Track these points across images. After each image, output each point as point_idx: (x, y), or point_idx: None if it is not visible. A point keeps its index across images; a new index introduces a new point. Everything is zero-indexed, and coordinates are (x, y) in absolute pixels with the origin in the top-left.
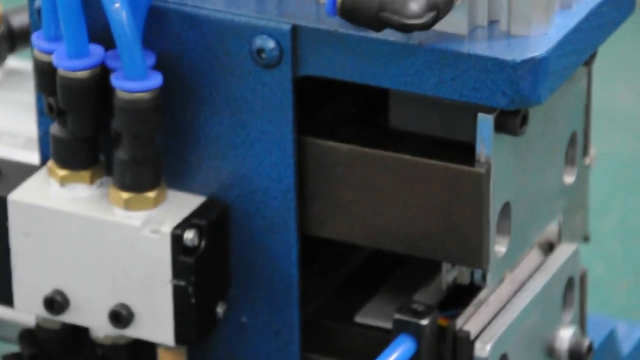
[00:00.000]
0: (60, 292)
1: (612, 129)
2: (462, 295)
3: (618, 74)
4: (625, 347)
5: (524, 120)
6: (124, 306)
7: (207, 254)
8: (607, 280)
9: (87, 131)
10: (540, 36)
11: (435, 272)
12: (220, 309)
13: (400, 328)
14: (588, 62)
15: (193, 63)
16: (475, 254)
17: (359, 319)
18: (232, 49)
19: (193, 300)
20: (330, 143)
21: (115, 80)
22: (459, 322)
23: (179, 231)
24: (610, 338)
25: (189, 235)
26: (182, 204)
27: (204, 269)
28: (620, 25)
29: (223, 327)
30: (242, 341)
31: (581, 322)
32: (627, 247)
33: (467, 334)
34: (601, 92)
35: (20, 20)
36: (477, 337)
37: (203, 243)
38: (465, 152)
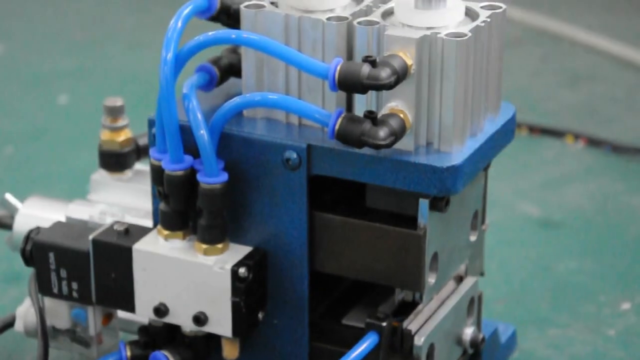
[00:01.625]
0: (163, 304)
1: (496, 208)
2: (408, 308)
3: (502, 176)
4: (503, 339)
5: (447, 203)
6: (202, 313)
7: (253, 282)
8: (493, 299)
9: (181, 207)
10: (458, 152)
11: (392, 293)
12: (260, 315)
13: (369, 327)
14: (486, 169)
15: (247, 166)
16: (416, 283)
17: (345, 321)
18: (270, 159)
19: (244, 310)
20: (330, 215)
21: (199, 177)
22: (405, 324)
23: (236, 268)
24: (495, 334)
25: (242, 271)
26: (238, 251)
27: (250, 291)
28: (505, 147)
29: (262, 326)
30: (273, 335)
31: (478, 324)
32: (505, 279)
33: (410, 331)
34: (492, 186)
35: (142, 140)
36: (416, 333)
37: (251, 275)
38: (412, 221)
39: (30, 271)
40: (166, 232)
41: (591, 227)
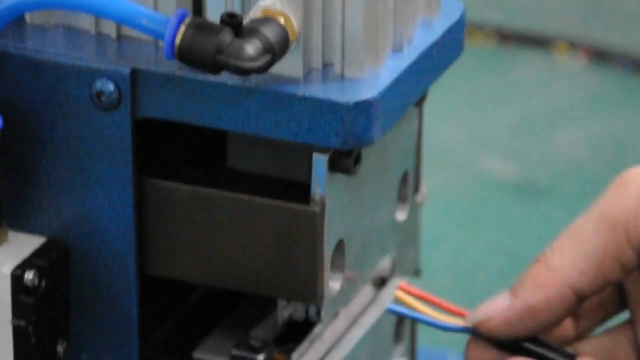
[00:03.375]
0: None
1: (442, 167)
2: (299, 330)
3: (448, 114)
4: None
5: (357, 160)
6: None
7: (47, 294)
8: None
9: None
10: (372, 79)
11: (272, 309)
12: (60, 348)
13: None
14: (419, 103)
15: (34, 106)
16: (309, 290)
17: (197, 354)
18: (72, 92)
19: (33, 340)
20: (169, 183)
21: None
22: (294, 357)
23: (19, 272)
24: None
25: (29, 276)
26: (22, 244)
27: (44, 309)
28: (449, 67)
29: None
30: None
31: (412, 355)
32: (457, 280)
33: None
34: (432, 131)
35: None
36: None
37: (43, 283)
38: (301, 191)
39: None
40: None
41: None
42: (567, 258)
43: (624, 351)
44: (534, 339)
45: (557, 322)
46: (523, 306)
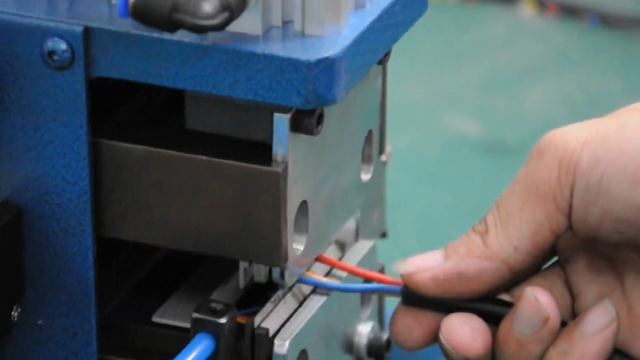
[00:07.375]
0: None
1: (408, 126)
2: (261, 294)
3: (413, 72)
4: None
5: (320, 120)
6: None
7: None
8: None
9: None
10: (334, 36)
11: (233, 271)
12: (15, 313)
13: (199, 327)
14: (382, 61)
15: None
16: (272, 252)
17: (157, 318)
18: (22, 52)
19: None
20: (125, 144)
21: None
22: (258, 319)
23: None
24: None
25: None
26: None
27: None
28: (413, 24)
29: (18, 330)
30: (37, 344)
31: (380, 317)
32: (423, 240)
33: (266, 330)
34: (397, 90)
35: None
36: (276, 333)
37: None
38: (262, 152)
39: None
40: None
41: None
42: (501, 236)
43: (558, 291)
44: None
45: (487, 293)
46: (453, 271)
